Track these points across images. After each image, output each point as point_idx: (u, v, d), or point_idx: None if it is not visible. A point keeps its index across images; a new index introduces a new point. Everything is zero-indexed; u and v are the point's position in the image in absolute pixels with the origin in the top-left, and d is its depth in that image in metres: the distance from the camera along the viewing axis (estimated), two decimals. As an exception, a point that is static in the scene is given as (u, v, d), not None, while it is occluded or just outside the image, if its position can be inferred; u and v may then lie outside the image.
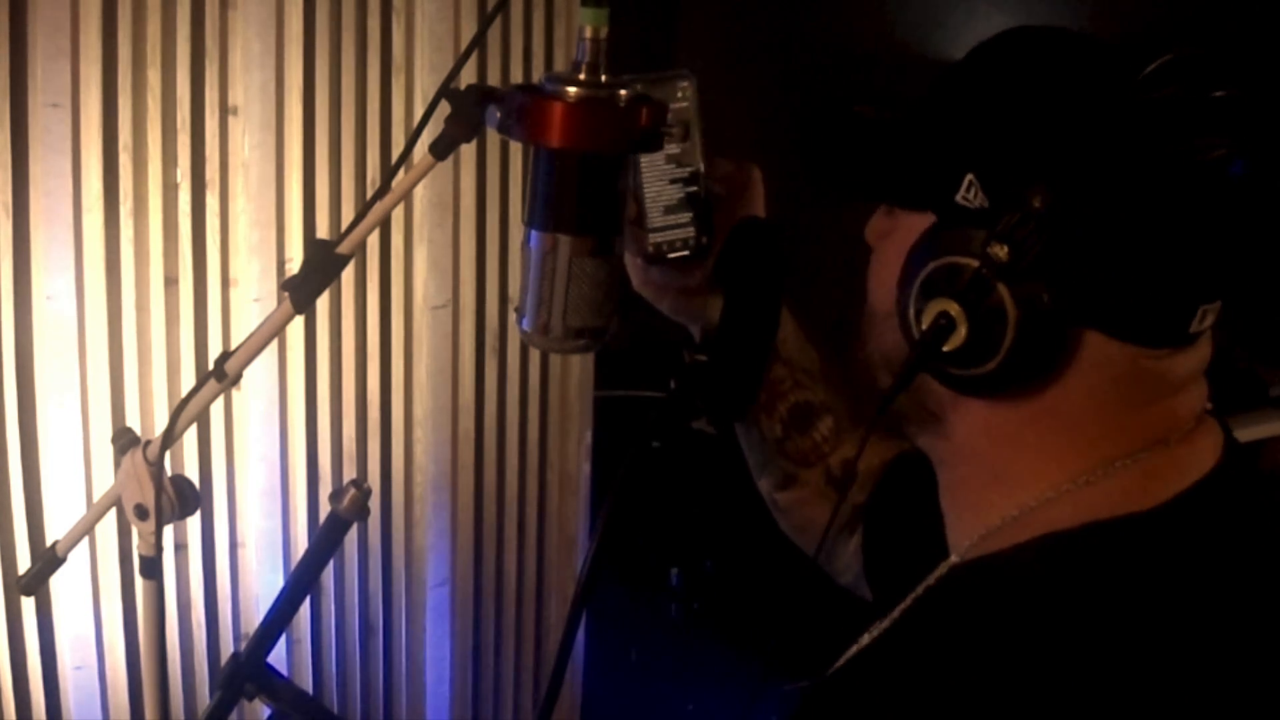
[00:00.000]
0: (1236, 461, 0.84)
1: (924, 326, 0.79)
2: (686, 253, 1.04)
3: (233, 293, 1.88)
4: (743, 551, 2.27)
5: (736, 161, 1.07)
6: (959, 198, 0.77)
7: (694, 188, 1.04)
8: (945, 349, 0.78)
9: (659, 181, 1.03)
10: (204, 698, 1.97)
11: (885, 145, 0.85)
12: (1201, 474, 0.80)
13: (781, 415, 1.13)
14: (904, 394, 0.83)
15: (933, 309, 0.78)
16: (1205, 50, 0.75)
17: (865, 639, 0.90)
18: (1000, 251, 0.74)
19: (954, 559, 0.85)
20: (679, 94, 1.02)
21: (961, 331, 0.77)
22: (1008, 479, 0.82)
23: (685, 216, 1.04)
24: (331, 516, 1.13)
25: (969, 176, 0.77)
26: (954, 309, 0.77)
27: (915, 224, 0.81)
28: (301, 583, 1.18)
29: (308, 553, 1.16)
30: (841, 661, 0.91)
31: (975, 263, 0.76)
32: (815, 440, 1.13)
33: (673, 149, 1.02)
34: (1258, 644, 0.76)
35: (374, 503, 2.06)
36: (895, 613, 0.87)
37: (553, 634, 2.37)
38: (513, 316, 2.14)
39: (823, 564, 1.19)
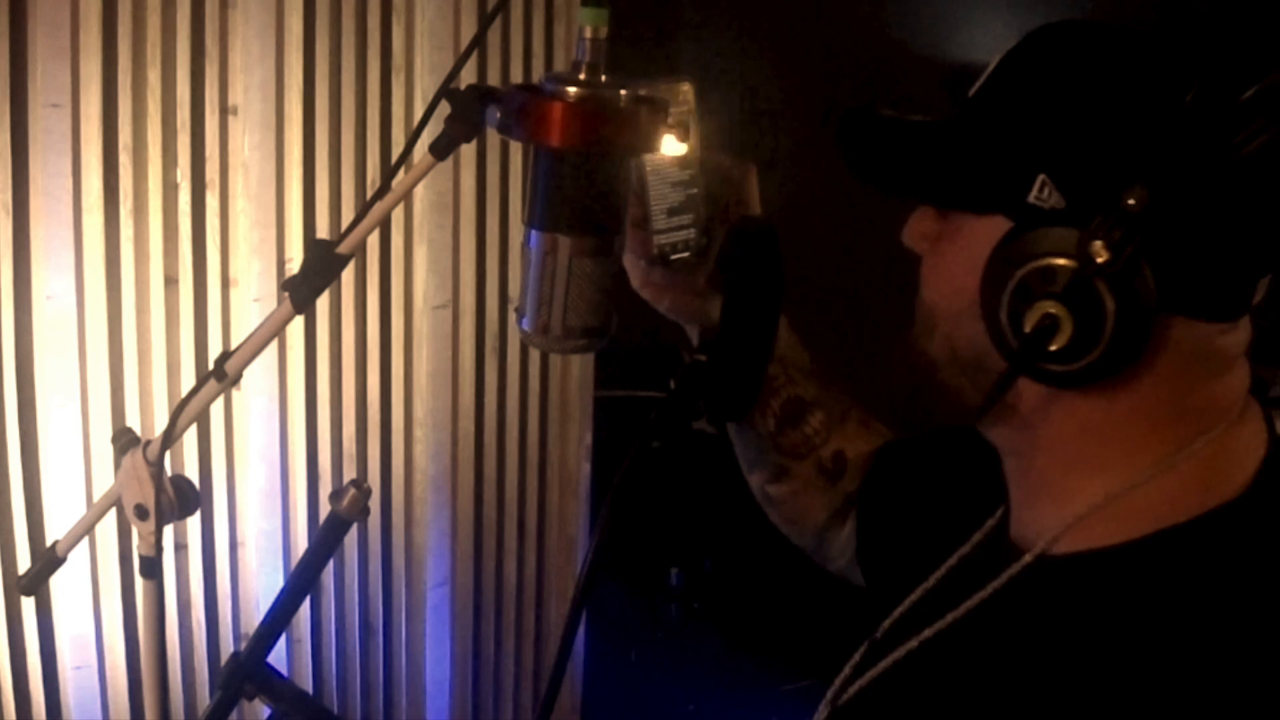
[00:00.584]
0: (1277, 437, 0.87)
1: (1027, 329, 0.80)
2: (688, 254, 1.04)
3: (233, 293, 1.88)
4: (743, 551, 2.27)
5: (734, 158, 1.08)
6: (1032, 198, 0.79)
7: (695, 190, 1.04)
8: (1050, 348, 0.80)
9: (662, 184, 1.03)
10: (204, 698, 1.97)
11: (941, 147, 0.86)
12: (1262, 451, 0.83)
13: (774, 411, 1.14)
14: (973, 387, 0.85)
15: (1036, 311, 0.79)
16: (1246, 38, 0.77)
17: (927, 632, 0.90)
18: (1101, 250, 0.76)
19: (1040, 549, 0.85)
20: (679, 98, 1.02)
21: (1067, 330, 0.78)
22: (1091, 467, 0.83)
23: (687, 218, 1.05)
24: (331, 516, 1.13)
25: (1041, 177, 0.78)
26: (1059, 309, 0.78)
27: (981, 227, 0.82)
28: (301, 583, 1.18)
29: (308, 553, 1.16)
30: (899, 654, 0.90)
31: (1073, 263, 0.77)
32: (806, 434, 1.15)
33: (674, 153, 1.03)
34: None
35: (374, 503, 2.06)
36: (971, 603, 0.87)
37: (553, 634, 2.37)
38: (513, 316, 2.14)
39: (814, 552, 1.21)
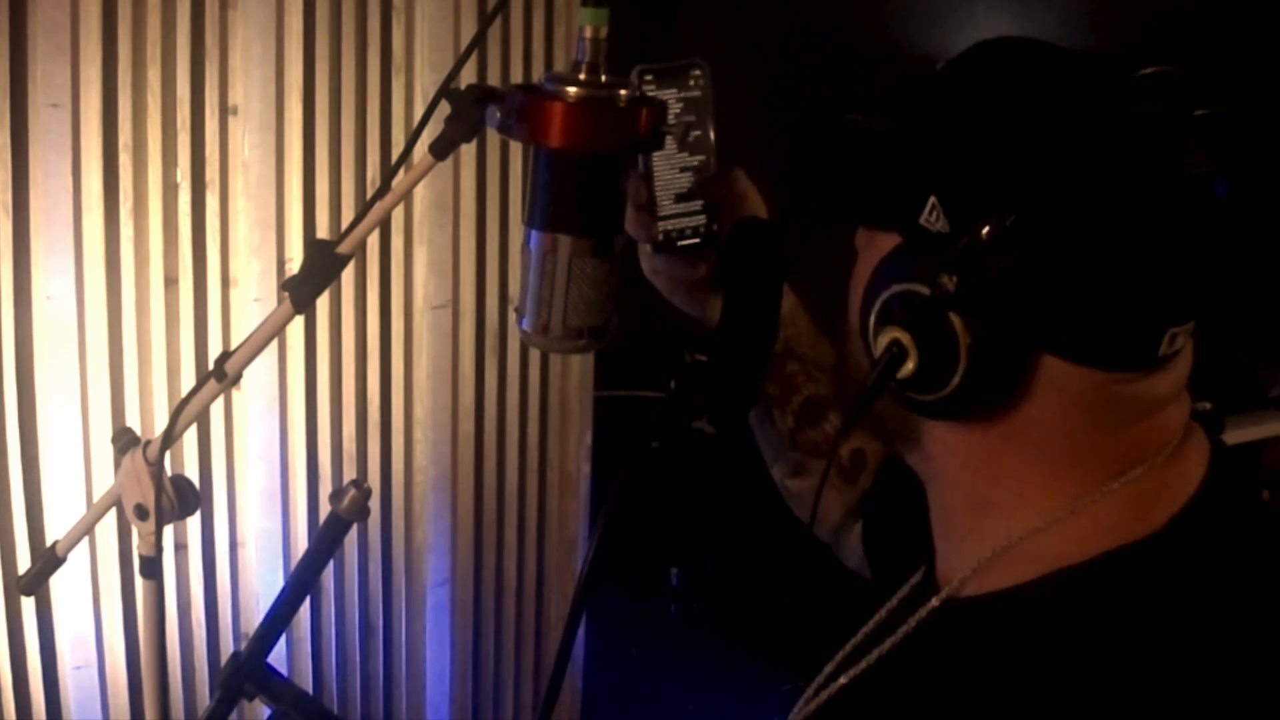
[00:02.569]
0: (1224, 471, 0.82)
1: (876, 354, 0.79)
2: (697, 240, 1.04)
3: (233, 293, 1.88)
4: (743, 551, 2.27)
5: (717, 181, 1.06)
6: (922, 220, 0.77)
7: (705, 176, 1.04)
8: (899, 376, 0.78)
9: (671, 169, 1.02)
10: (204, 698, 1.97)
11: (862, 162, 0.84)
12: (1192, 490, 0.79)
13: (794, 408, 1.14)
14: (890, 411, 0.83)
15: (885, 336, 0.78)
16: (1181, 66, 0.74)
17: (843, 679, 0.89)
18: (949, 281, 0.73)
19: (946, 593, 0.83)
20: (691, 82, 1.02)
21: (911, 361, 0.77)
22: (994, 506, 0.81)
23: (696, 205, 1.04)
24: (331, 516, 1.13)
25: (932, 199, 0.76)
26: (904, 338, 0.77)
27: (884, 244, 0.81)
28: (301, 583, 1.18)
29: (308, 553, 1.16)
30: (820, 698, 0.90)
31: (926, 290, 0.75)
32: (826, 433, 1.15)
33: (685, 137, 1.02)
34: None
35: (374, 503, 2.06)
36: (884, 647, 0.86)
37: (553, 634, 2.37)
38: (513, 316, 2.14)
39: (832, 548, 1.21)
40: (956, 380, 0.76)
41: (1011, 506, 0.80)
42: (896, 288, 0.78)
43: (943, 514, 0.87)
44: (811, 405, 1.14)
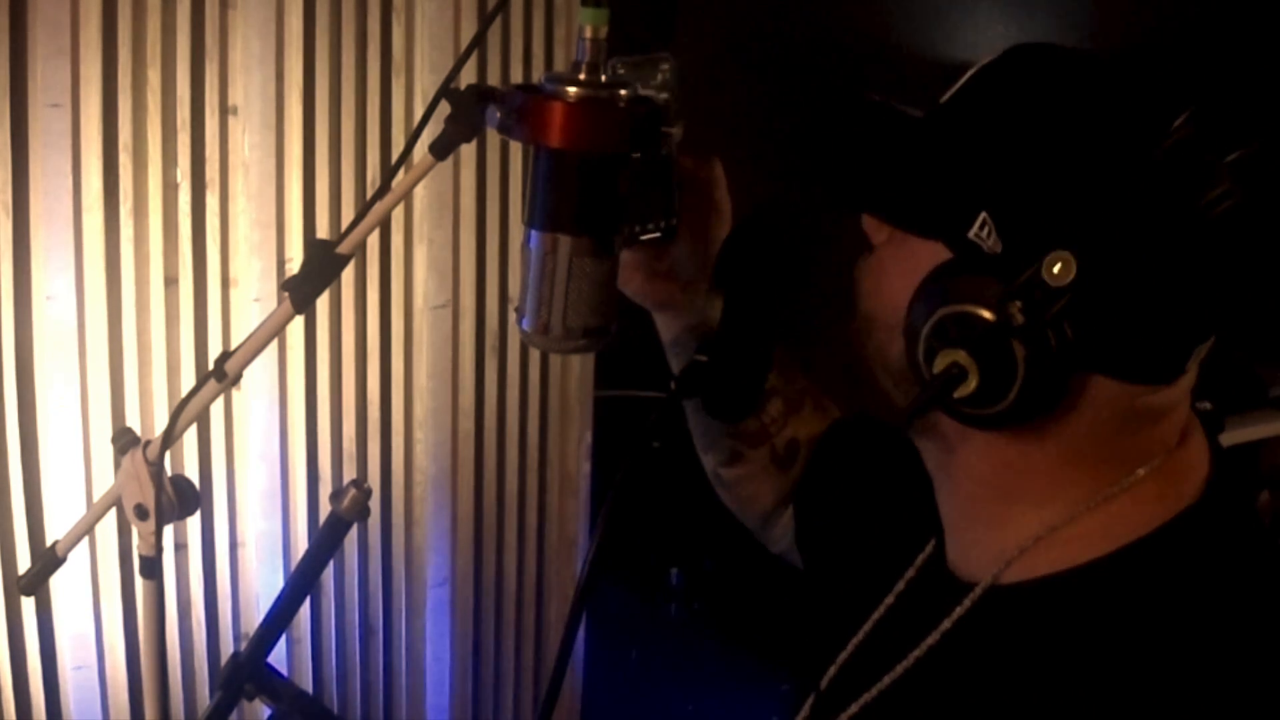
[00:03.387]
0: (1221, 450, 0.88)
1: (935, 370, 0.79)
2: (658, 234, 1.04)
3: (233, 293, 1.88)
4: (743, 551, 2.27)
5: (695, 159, 1.07)
6: (972, 234, 0.78)
7: (667, 169, 1.04)
8: (955, 395, 0.79)
9: (634, 164, 1.02)
10: (204, 698, 1.97)
11: (894, 157, 0.85)
12: (1207, 464, 0.84)
13: None
14: (907, 396, 0.83)
15: (945, 357, 0.79)
16: (1224, 102, 0.76)
17: (886, 681, 0.89)
18: (1017, 312, 0.75)
19: (989, 581, 0.84)
20: (659, 76, 1.02)
21: (973, 382, 0.78)
22: (1024, 499, 0.83)
23: (657, 198, 1.04)
24: (331, 516, 1.13)
25: (984, 214, 0.77)
26: (966, 360, 0.78)
27: (924, 249, 0.81)
28: (301, 583, 1.18)
29: (308, 553, 1.16)
30: (872, 693, 0.89)
31: (991, 316, 0.76)
32: (764, 422, 1.16)
33: None
34: None
35: (374, 503, 2.06)
36: (927, 641, 0.87)
37: (553, 634, 2.37)
38: (513, 316, 2.14)
39: (758, 533, 1.22)
40: (1010, 399, 0.78)
41: (1042, 499, 0.82)
42: (956, 308, 0.78)
43: (963, 503, 0.88)
44: None
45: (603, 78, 0.89)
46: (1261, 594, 0.79)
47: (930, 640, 0.87)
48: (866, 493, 1.08)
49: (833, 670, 0.95)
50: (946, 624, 0.86)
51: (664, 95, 1.02)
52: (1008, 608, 0.84)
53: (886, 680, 0.89)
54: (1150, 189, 0.74)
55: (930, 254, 0.80)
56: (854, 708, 0.90)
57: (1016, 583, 0.83)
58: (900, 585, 0.95)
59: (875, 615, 0.95)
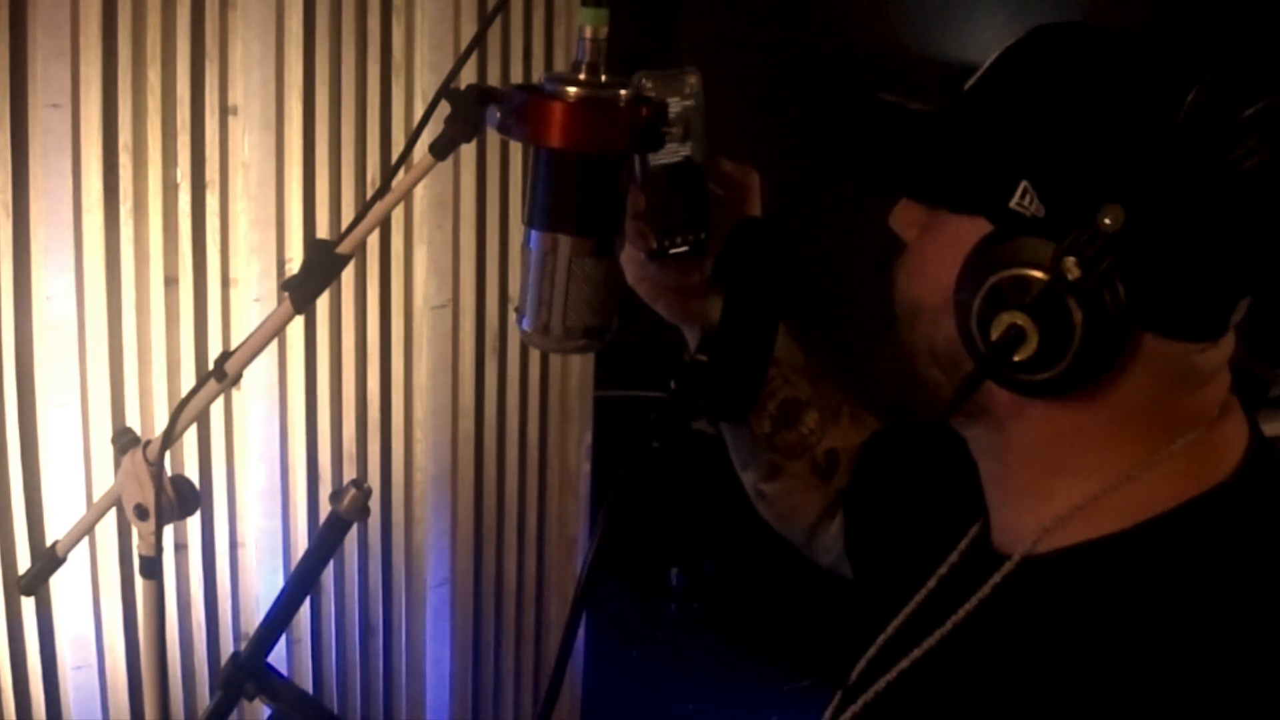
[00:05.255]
0: (1259, 433, 0.88)
1: (993, 337, 0.80)
2: (687, 249, 1.03)
3: (233, 293, 1.88)
4: (743, 551, 2.27)
5: (736, 163, 1.07)
6: (1013, 204, 0.79)
7: (696, 184, 1.04)
8: (1015, 359, 0.80)
9: (662, 177, 1.02)
10: (204, 698, 1.97)
11: (927, 142, 0.86)
12: (1243, 445, 0.84)
13: (770, 412, 1.14)
14: (955, 383, 0.84)
15: (1004, 320, 0.79)
16: (1245, 52, 0.77)
17: (921, 649, 0.89)
18: (1073, 266, 0.76)
19: (1022, 553, 0.85)
20: (686, 89, 1.01)
21: (1033, 343, 0.79)
22: (1069, 470, 0.83)
23: (688, 212, 1.03)
24: (331, 516, 1.13)
25: (1024, 183, 0.78)
26: (1025, 321, 0.79)
27: (965, 226, 0.82)
28: (301, 583, 1.18)
29: (308, 553, 1.16)
30: (904, 664, 0.90)
31: (1045, 276, 0.77)
32: (802, 434, 1.16)
33: (678, 145, 1.02)
34: None
35: (374, 503, 2.06)
36: (959, 615, 0.87)
37: (553, 634, 2.37)
38: (513, 316, 2.14)
39: (803, 547, 1.21)
40: (1067, 361, 0.78)
41: (1086, 469, 0.83)
42: (1008, 272, 0.79)
43: (1009, 480, 0.88)
44: (788, 407, 1.15)
45: (602, 78, 0.89)
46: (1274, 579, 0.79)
47: (964, 610, 0.87)
48: (917, 496, 1.07)
49: (872, 651, 0.95)
50: (980, 595, 0.87)
51: (689, 104, 1.01)
52: (1037, 578, 0.84)
53: (917, 653, 0.89)
54: (1181, 145, 0.75)
55: (972, 230, 0.81)
56: (887, 678, 0.91)
57: (1047, 552, 0.84)
58: (943, 569, 0.95)
59: (916, 599, 0.95)
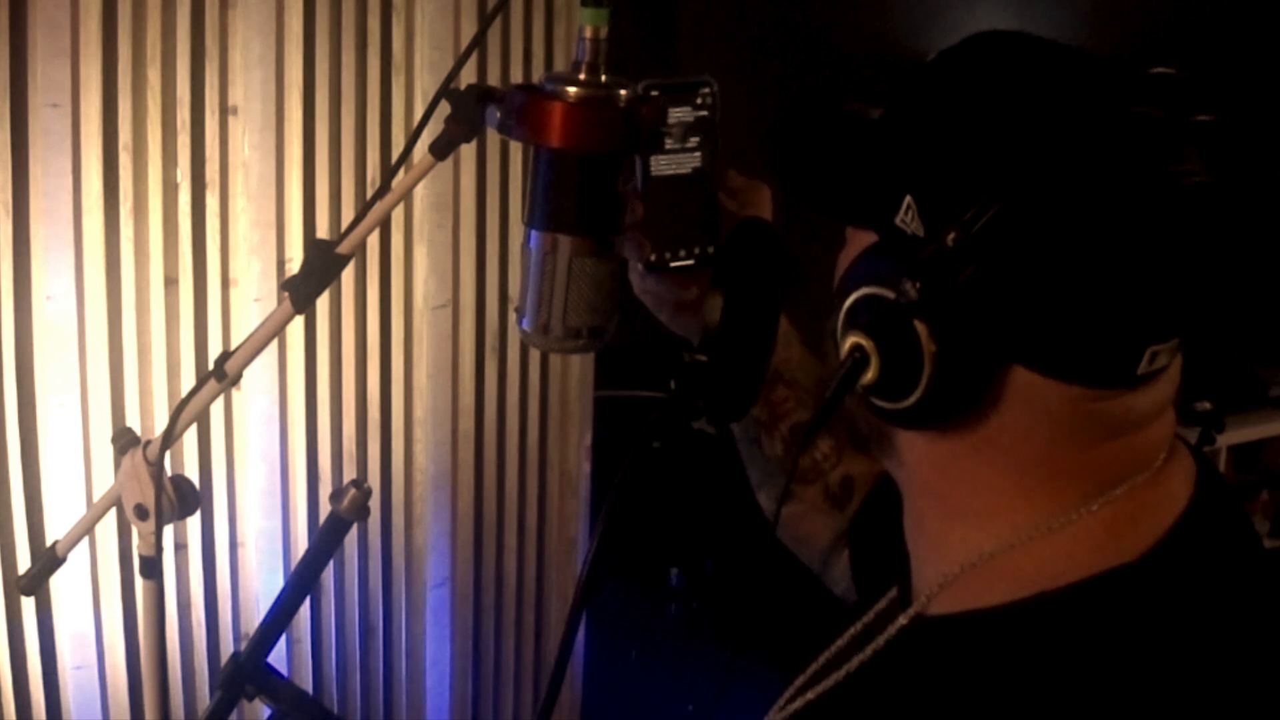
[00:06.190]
0: (1210, 492, 0.80)
1: (841, 356, 0.77)
2: (691, 262, 1.01)
3: (233, 293, 1.88)
4: (743, 551, 2.27)
5: (748, 176, 1.05)
6: (898, 220, 0.74)
7: (706, 196, 1.02)
8: (862, 382, 0.76)
9: (671, 188, 1.00)
10: (204, 698, 1.97)
11: (842, 154, 0.82)
12: (1176, 513, 0.76)
13: (783, 434, 1.11)
14: (862, 414, 0.81)
15: (848, 341, 0.76)
16: (1173, 69, 0.71)
17: (811, 694, 0.87)
18: (912, 288, 0.71)
19: (916, 609, 0.81)
20: (699, 100, 1.00)
21: (874, 366, 0.75)
22: (966, 517, 0.78)
23: (694, 225, 1.02)
24: (331, 516, 1.13)
25: (908, 199, 0.74)
26: (866, 343, 0.75)
27: (861, 240, 0.79)
28: (301, 583, 1.18)
29: (308, 553, 1.16)
30: (786, 710, 0.89)
31: (891, 295, 0.73)
32: (815, 459, 1.13)
33: (689, 155, 1.00)
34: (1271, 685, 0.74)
35: (374, 503, 2.06)
36: (852, 664, 0.85)
37: (553, 634, 2.37)
38: (513, 316, 2.14)
39: (820, 575, 1.18)
40: (920, 389, 0.73)
41: (984, 518, 0.77)
42: (865, 290, 0.75)
43: (917, 523, 0.85)
44: (800, 431, 1.11)
45: (602, 77, 0.89)
46: (1199, 657, 0.72)
47: (860, 658, 0.85)
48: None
49: (801, 679, 0.94)
50: (874, 646, 0.84)
51: (703, 114, 1.00)
52: (925, 641, 0.81)
53: (823, 686, 0.87)
54: (1064, 164, 0.68)
55: (863, 244, 0.78)
56: (796, 705, 0.89)
57: (938, 615, 0.80)
58: (881, 603, 0.92)
59: (853, 629, 0.92)
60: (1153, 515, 0.76)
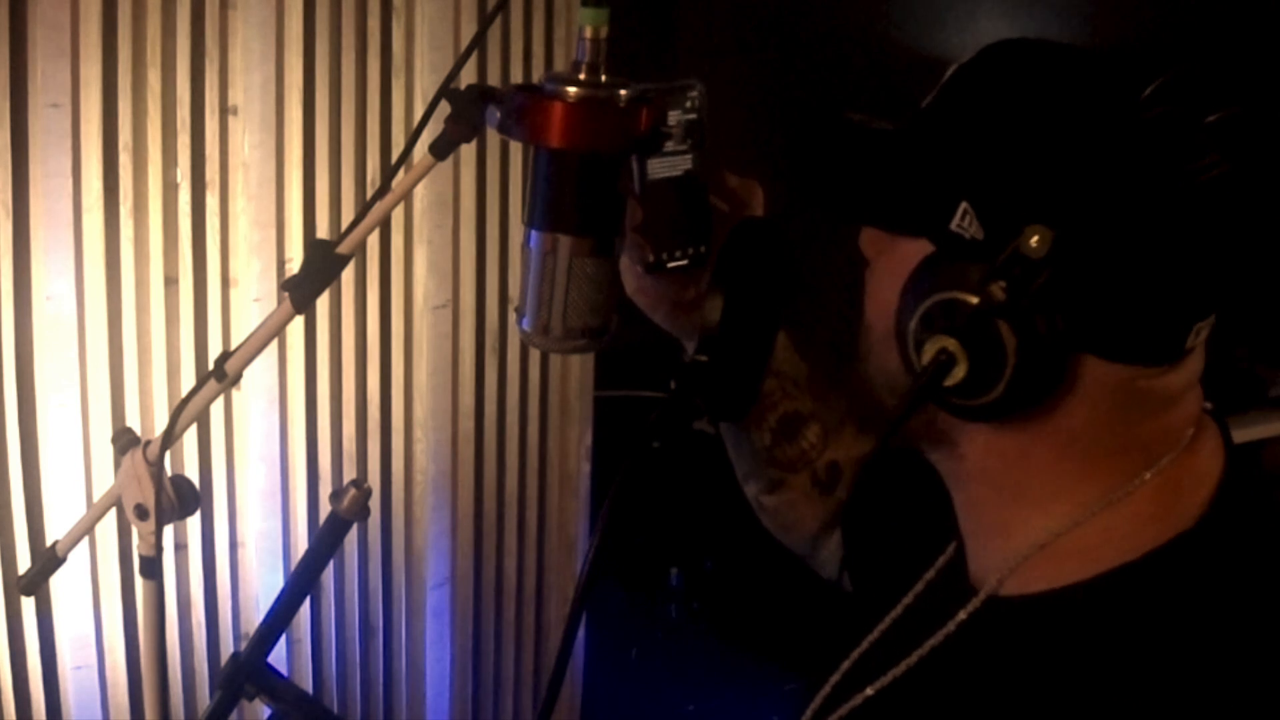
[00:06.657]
0: (1238, 458, 0.85)
1: (924, 361, 0.79)
2: (686, 263, 1.02)
3: (233, 293, 1.88)
4: (743, 551, 2.27)
5: (741, 176, 1.07)
6: (954, 226, 0.77)
7: (699, 197, 1.03)
8: (946, 384, 0.79)
9: (664, 190, 1.01)
10: (204, 698, 1.97)
11: (876, 164, 0.84)
12: (1215, 480, 0.82)
13: (771, 425, 1.13)
14: (928, 416, 0.83)
15: (933, 345, 0.78)
16: (1200, 66, 0.75)
17: (870, 690, 0.88)
18: (998, 290, 0.75)
19: (987, 592, 0.84)
20: (688, 103, 1.01)
21: (961, 368, 0.78)
22: (1027, 500, 0.82)
23: (688, 226, 1.03)
24: (331, 516, 1.13)
25: (964, 205, 0.77)
26: (953, 345, 0.77)
27: (911, 249, 0.81)
28: (301, 583, 1.18)
29: (308, 553, 1.16)
30: (850, 704, 0.89)
31: (974, 299, 0.76)
32: (803, 448, 1.14)
33: (680, 158, 1.01)
34: None
35: (374, 503, 2.06)
36: (923, 650, 0.86)
37: (553, 634, 2.37)
38: (513, 316, 2.14)
39: (807, 559, 1.21)
40: (1003, 385, 0.77)
41: (1047, 501, 0.81)
42: (939, 296, 0.78)
43: (975, 510, 0.87)
44: (788, 421, 1.13)
45: (602, 78, 0.89)
46: (1249, 633, 0.77)
47: (931, 643, 0.86)
48: (912, 513, 1.07)
49: (846, 665, 0.95)
50: (946, 630, 0.85)
51: (691, 117, 1.00)
52: (1001, 623, 0.83)
53: (886, 678, 0.88)
54: (1122, 159, 0.74)
55: (916, 253, 0.80)
56: (854, 702, 0.90)
57: (1014, 596, 0.83)
58: (919, 586, 0.94)
59: (892, 615, 0.94)
60: (1195, 483, 0.81)
